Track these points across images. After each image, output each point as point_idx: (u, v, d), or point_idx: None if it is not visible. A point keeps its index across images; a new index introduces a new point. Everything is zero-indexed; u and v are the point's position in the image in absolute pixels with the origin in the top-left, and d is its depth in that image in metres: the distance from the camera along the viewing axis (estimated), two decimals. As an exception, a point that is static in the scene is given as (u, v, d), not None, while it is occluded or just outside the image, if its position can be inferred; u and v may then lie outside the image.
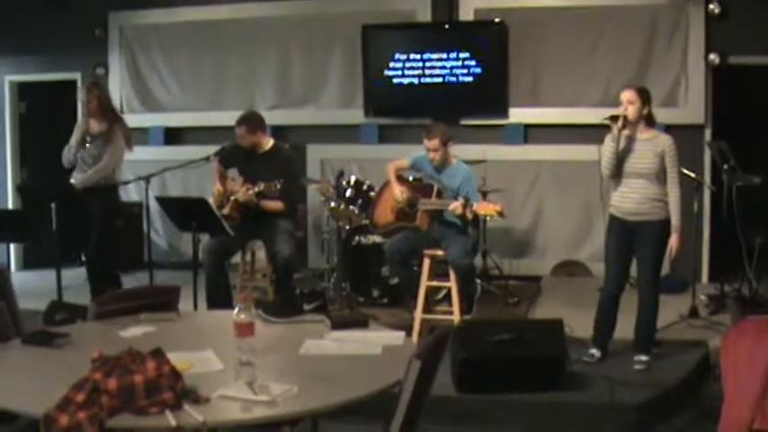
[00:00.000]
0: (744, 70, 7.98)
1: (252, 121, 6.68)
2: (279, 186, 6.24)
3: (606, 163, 5.44)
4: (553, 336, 5.28)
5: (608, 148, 5.42)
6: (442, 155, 6.34)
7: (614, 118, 5.39)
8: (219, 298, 6.40)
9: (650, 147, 5.43)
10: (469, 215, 6.09)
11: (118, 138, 7.05)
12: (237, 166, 6.83)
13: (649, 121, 5.51)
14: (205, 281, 6.43)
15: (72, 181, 7.04)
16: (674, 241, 5.47)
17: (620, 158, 5.44)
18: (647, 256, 5.52)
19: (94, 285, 7.02)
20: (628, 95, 5.44)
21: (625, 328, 5.75)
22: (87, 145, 7.01)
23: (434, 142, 6.28)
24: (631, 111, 5.40)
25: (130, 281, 7.38)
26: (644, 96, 5.46)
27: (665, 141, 5.45)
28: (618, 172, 5.46)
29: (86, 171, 7.00)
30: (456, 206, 6.05)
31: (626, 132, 5.43)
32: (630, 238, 5.55)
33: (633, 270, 5.72)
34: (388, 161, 6.81)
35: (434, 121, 6.99)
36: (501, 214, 6.00)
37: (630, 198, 5.48)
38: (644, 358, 5.57)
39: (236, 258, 7.12)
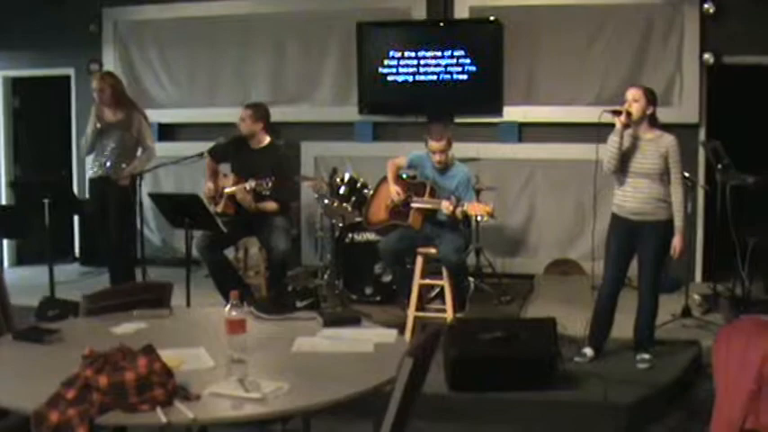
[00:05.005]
0: (738, 70, 7.98)
1: (259, 110, 6.70)
2: (270, 185, 6.22)
3: (609, 157, 5.41)
4: (546, 334, 5.28)
5: (611, 142, 5.40)
6: (447, 156, 6.34)
7: (616, 112, 5.39)
8: (228, 276, 6.54)
9: (654, 147, 5.41)
10: (459, 215, 6.08)
11: (142, 124, 7.14)
12: (230, 161, 6.81)
13: (653, 121, 5.48)
14: (210, 272, 6.48)
15: (90, 173, 7.09)
16: (677, 242, 5.44)
17: (625, 157, 5.42)
18: (649, 257, 5.52)
19: (116, 276, 7.14)
20: (633, 93, 5.43)
21: (619, 327, 5.75)
22: (102, 134, 7.05)
23: (443, 143, 6.27)
24: (636, 108, 5.39)
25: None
26: (649, 96, 5.44)
27: (669, 141, 5.42)
28: (622, 170, 5.45)
29: (103, 162, 7.05)
30: (447, 205, 6.03)
31: (629, 131, 5.41)
32: (632, 239, 5.53)
33: (632, 270, 5.72)
34: (383, 159, 6.80)
35: (430, 120, 6.95)
36: (491, 215, 5.97)
37: (634, 197, 5.46)
38: (646, 356, 5.59)
39: (230, 255, 7.11)
